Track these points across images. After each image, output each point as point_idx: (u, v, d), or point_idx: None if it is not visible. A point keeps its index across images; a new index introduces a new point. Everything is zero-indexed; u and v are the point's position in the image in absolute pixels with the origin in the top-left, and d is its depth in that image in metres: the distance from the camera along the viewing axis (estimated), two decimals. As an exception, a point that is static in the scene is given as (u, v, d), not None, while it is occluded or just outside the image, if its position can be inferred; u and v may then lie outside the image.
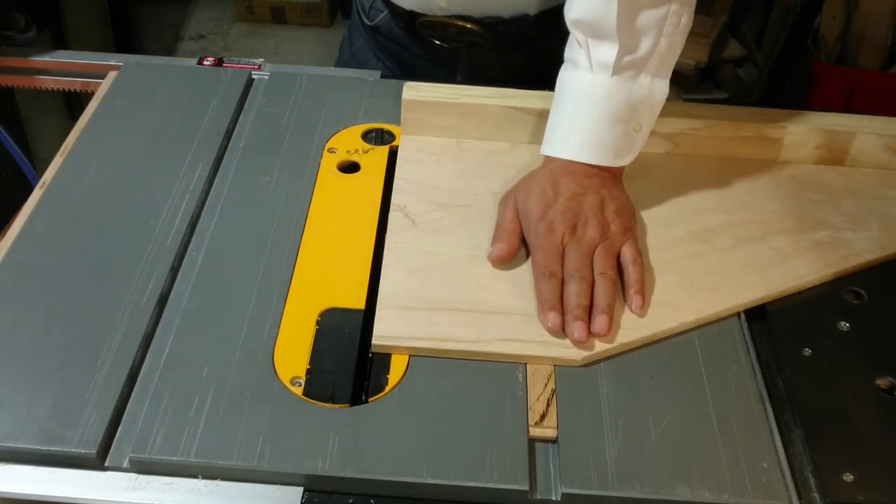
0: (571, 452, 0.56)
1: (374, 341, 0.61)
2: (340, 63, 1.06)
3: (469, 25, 0.88)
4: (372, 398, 0.58)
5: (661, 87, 0.69)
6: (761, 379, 0.62)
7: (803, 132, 0.78)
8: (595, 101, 0.68)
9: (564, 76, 0.71)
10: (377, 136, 0.80)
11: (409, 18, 0.90)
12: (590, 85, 0.68)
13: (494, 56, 0.91)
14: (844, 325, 0.65)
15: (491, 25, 0.88)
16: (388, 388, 0.58)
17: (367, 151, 0.78)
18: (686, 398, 0.59)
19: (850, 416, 0.59)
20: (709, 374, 0.61)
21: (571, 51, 0.70)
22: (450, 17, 0.88)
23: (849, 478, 0.55)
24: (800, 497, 0.55)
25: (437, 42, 0.91)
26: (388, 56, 0.98)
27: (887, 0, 1.89)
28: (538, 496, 0.55)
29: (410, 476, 0.53)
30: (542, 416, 0.58)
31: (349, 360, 0.60)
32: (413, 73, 0.97)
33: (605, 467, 0.55)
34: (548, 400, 0.59)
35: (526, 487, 0.54)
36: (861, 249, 0.71)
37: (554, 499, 0.54)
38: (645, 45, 0.67)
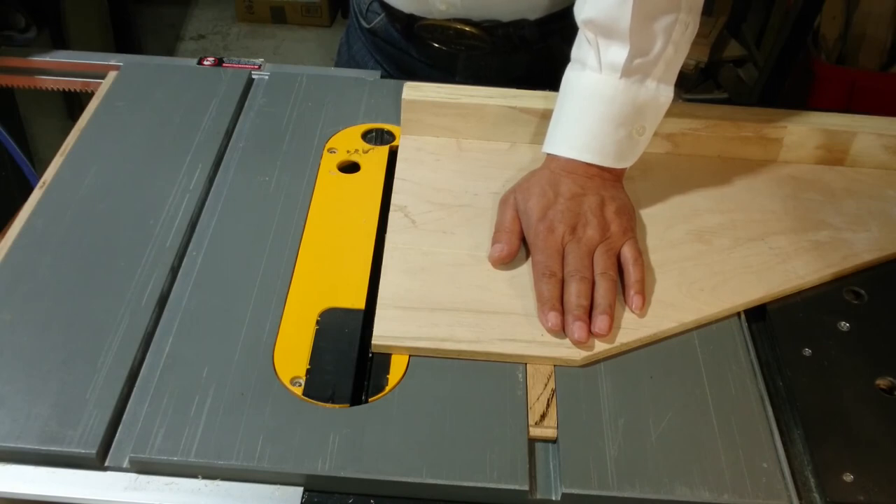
0: (571, 452, 0.56)
1: (374, 341, 0.61)
2: (339, 66, 1.06)
3: (468, 28, 0.88)
4: (372, 398, 0.58)
5: (667, 93, 0.69)
6: (761, 379, 0.62)
7: (803, 132, 0.78)
8: (601, 102, 0.68)
9: (570, 76, 0.71)
10: (377, 136, 0.80)
11: (408, 21, 0.90)
12: (597, 85, 0.68)
13: (493, 59, 0.91)
14: (844, 325, 0.65)
15: (490, 29, 0.88)
16: (388, 388, 0.58)
17: (367, 151, 0.78)
18: (686, 398, 0.59)
19: (850, 416, 0.59)
20: (709, 375, 0.61)
21: (580, 51, 0.70)
22: (449, 20, 0.88)
23: (849, 478, 0.55)
24: (800, 497, 0.55)
25: (436, 45, 0.91)
26: (386, 59, 0.97)
27: (887, 0, 1.89)
28: (538, 496, 0.55)
29: (410, 476, 0.53)
30: (542, 416, 0.58)
31: (349, 360, 0.60)
32: (412, 76, 0.96)
33: (605, 467, 0.55)
34: (548, 400, 0.59)
35: (526, 487, 0.54)
36: (861, 250, 0.71)
37: (554, 499, 0.54)
38: (654, 50, 0.67)
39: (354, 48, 1.01)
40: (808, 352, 0.63)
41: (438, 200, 0.73)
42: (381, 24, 0.93)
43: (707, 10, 2.31)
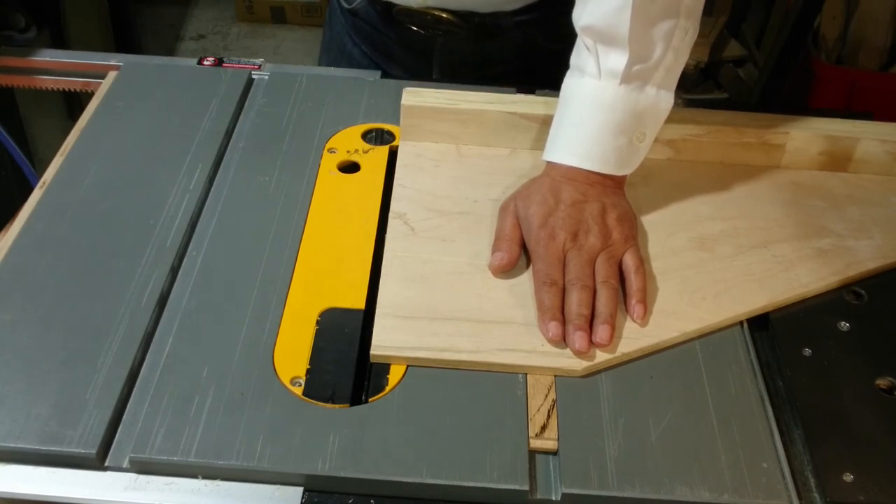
0: (571, 452, 0.56)
1: (372, 351, 0.60)
2: (322, 47, 1.07)
3: (445, 15, 0.88)
4: (372, 398, 0.58)
5: (667, 99, 0.69)
6: (761, 379, 0.62)
7: (806, 138, 0.77)
8: (601, 109, 0.67)
9: (570, 83, 0.70)
10: (377, 136, 0.80)
11: (386, 5, 0.91)
12: (596, 92, 0.68)
13: (470, 44, 0.92)
14: (844, 325, 0.65)
15: (467, 17, 0.89)
16: (388, 388, 0.58)
17: (367, 151, 0.78)
18: (686, 398, 0.59)
19: (850, 416, 0.59)
20: (709, 374, 0.61)
21: (579, 58, 0.70)
22: (427, 7, 0.89)
23: (849, 478, 0.55)
24: (800, 497, 0.55)
25: (414, 28, 0.91)
26: (364, 40, 0.98)
27: (887, 0, 1.89)
28: (538, 496, 0.55)
29: (410, 476, 0.53)
30: (543, 428, 0.57)
31: (349, 360, 0.60)
32: (389, 58, 0.97)
33: (605, 467, 0.55)
34: (548, 411, 0.58)
35: (526, 487, 0.54)
36: (864, 257, 0.70)
37: (554, 499, 0.54)
38: (653, 56, 0.67)
39: (335, 29, 1.02)
40: (808, 352, 0.63)
41: (438, 207, 0.72)
42: (362, 5, 0.94)
43: (707, 10, 2.31)
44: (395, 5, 0.90)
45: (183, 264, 0.66)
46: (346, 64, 1.01)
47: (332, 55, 1.04)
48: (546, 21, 0.89)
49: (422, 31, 0.91)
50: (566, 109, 0.70)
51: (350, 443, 0.55)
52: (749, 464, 0.56)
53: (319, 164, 0.76)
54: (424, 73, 0.96)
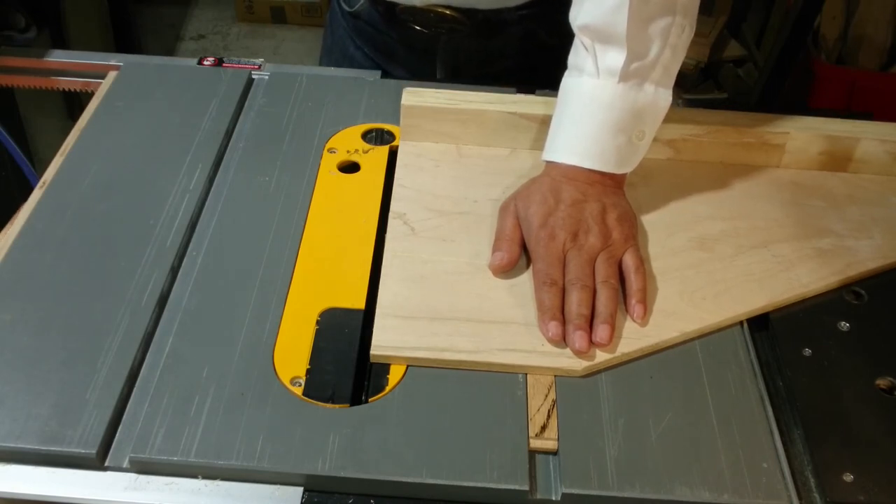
0: (572, 453, 0.56)
1: (372, 351, 0.60)
2: (323, 51, 1.07)
3: (448, 12, 0.89)
4: (372, 398, 0.58)
5: (665, 96, 0.69)
6: (761, 379, 0.62)
7: (806, 138, 0.77)
8: (600, 108, 0.67)
9: (568, 82, 0.71)
10: (377, 136, 0.80)
11: (389, 6, 0.91)
12: (595, 91, 0.68)
13: (473, 41, 0.92)
14: (844, 325, 0.65)
15: (470, 13, 0.89)
16: (388, 388, 0.58)
17: (367, 151, 0.78)
18: (686, 398, 0.59)
19: (850, 416, 0.59)
20: (709, 375, 0.61)
21: (577, 57, 0.70)
22: (430, 5, 0.89)
23: (849, 478, 0.55)
24: (800, 497, 0.55)
25: (417, 27, 0.92)
26: (366, 42, 0.99)
27: (887, 0, 1.89)
28: (538, 496, 0.55)
29: (410, 476, 0.53)
30: (543, 428, 0.57)
31: (349, 360, 0.60)
32: (392, 59, 0.98)
33: (605, 467, 0.55)
34: (548, 411, 0.58)
35: (526, 487, 0.54)
36: (864, 257, 0.70)
37: (554, 499, 0.54)
38: (651, 54, 0.67)
39: (337, 34, 1.03)
40: (808, 352, 0.63)
41: (438, 207, 0.72)
42: (363, 7, 0.95)
43: (707, 10, 2.32)
44: (397, 5, 0.91)
45: (183, 264, 0.66)
46: (348, 67, 1.01)
47: (334, 59, 1.04)
48: (547, 16, 0.89)
49: (425, 30, 0.92)
50: (565, 109, 0.70)
51: (350, 443, 0.55)
52: (749, 464, 0.56)
53: (319, 164, 0.76)
54: (427, 72, 0.96)
